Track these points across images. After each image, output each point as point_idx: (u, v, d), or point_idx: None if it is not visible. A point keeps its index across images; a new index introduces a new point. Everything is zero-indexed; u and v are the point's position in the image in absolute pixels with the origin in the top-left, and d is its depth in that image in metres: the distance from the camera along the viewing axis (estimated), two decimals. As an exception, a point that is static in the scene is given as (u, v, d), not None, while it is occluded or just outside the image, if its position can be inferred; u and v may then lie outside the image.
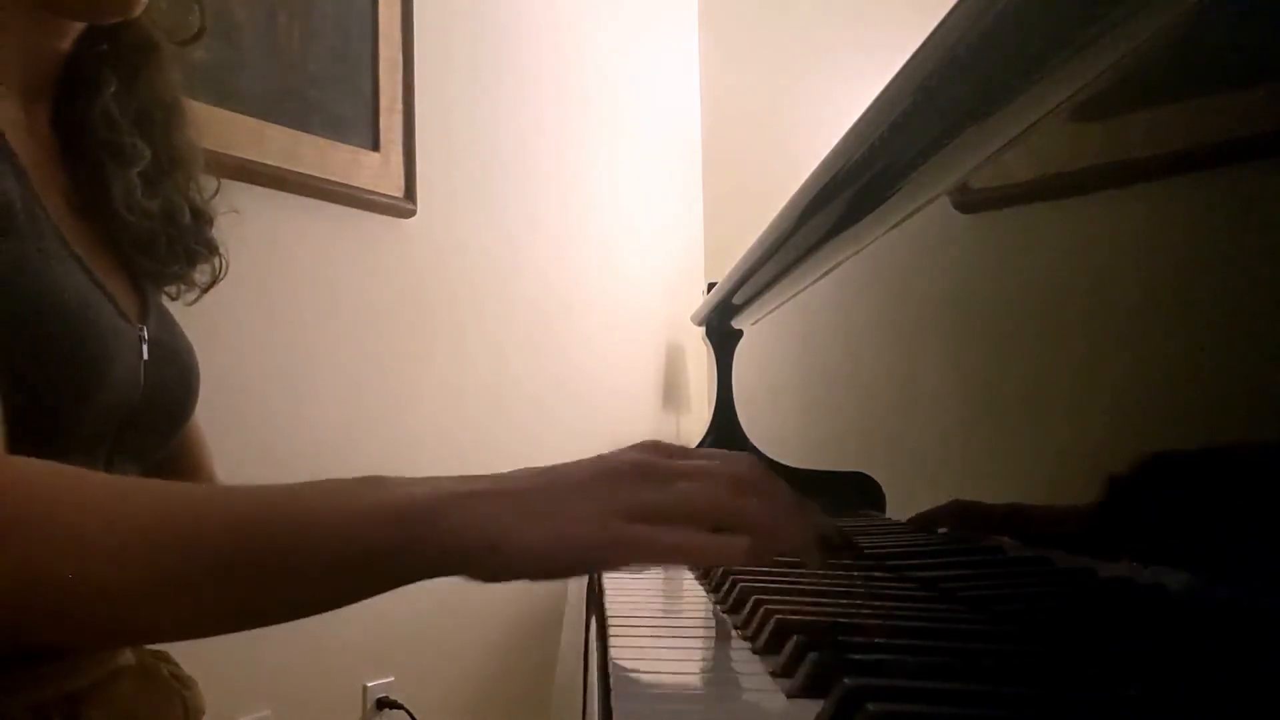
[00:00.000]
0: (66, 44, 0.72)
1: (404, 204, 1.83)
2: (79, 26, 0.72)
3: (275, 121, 1.56)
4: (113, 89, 0.75)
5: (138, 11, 0.70)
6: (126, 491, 0.51)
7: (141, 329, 0.72)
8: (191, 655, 0.81)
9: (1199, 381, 0.38)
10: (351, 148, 1.72)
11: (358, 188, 1.72)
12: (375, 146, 1.77)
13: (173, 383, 0.75)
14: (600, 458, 0.51)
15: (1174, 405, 0.40)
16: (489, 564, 0.47)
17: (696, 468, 0.50)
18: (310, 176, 1.61)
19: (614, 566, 0.48)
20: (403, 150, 1.83)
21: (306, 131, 1.63)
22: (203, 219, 0.82)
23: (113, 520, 0.48)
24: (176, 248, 0.79)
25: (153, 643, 0.52)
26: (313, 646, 1.60)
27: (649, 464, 0.50)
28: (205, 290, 0.85)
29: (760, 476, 0.50)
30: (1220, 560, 0.35)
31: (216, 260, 0.84)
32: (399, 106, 1.82)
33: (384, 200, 1.78)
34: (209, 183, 0.84)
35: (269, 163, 1.53)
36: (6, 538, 0.45)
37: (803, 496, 0.52)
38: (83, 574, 0.46)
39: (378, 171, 1.77)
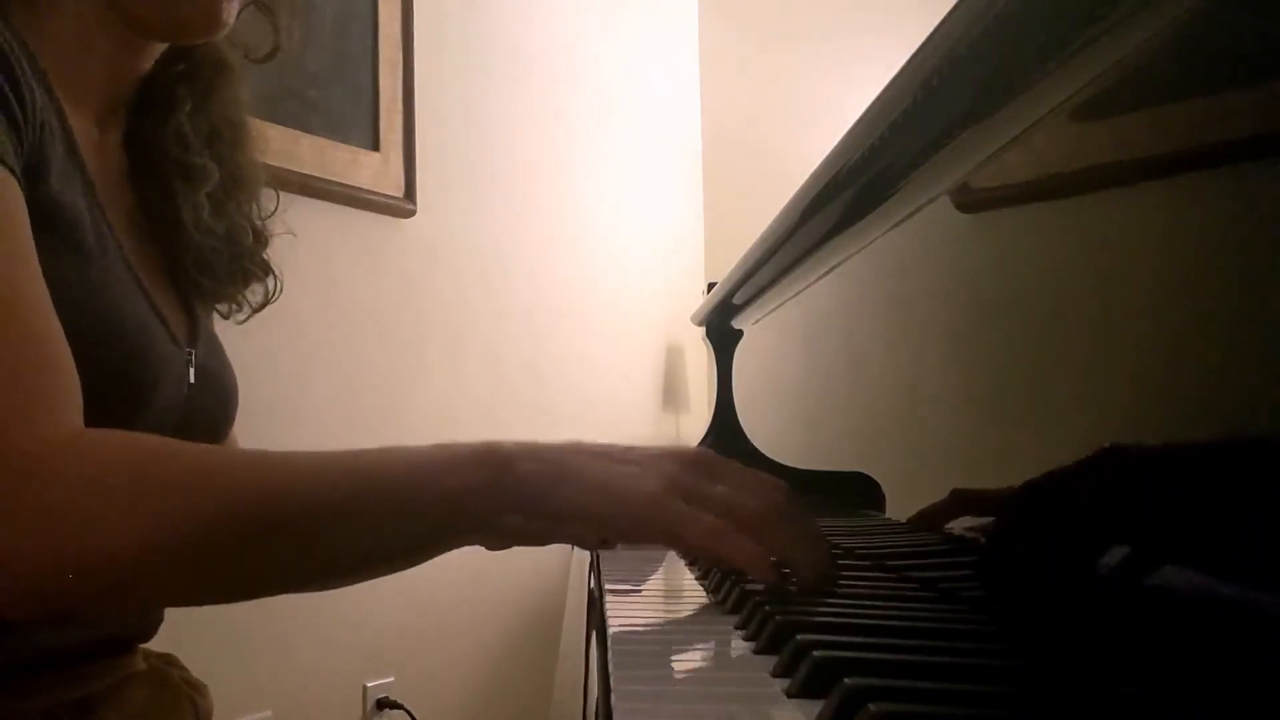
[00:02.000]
0: (148, 64, 0.72)
1: (404, 204, 1.83)
2: (160, 47, 0.72)
3: (275, 121, 1.56)
4: (187, 108, 0.75)
5: (224, 32, 0.70)
6: (216, 454, 0.55)
7: (190, 354, 0.72)
8: (193, 656, 0.81)
9: (1201, 381, 0.38)
10: (351, 148, 1.72)
11: (357, 188, 1.72)
12: (375, 146, 1.78)
13: (212, 408, 0.75)
14: (662, 447, 0.56)
15: (1176, 405, 0.40)
16: (552, 501, 0.52)
17: (742, 477, 0.55)
18: (310, 176, 1.62)
19: (655, 531, 0.52)
20: (403, 150, 1.83)
21: (306, 131, 1.63)
22: (260, 240, 0.83)
23: (210, 480, 0.51)
24: (235, 268, 0.79)
25: (243, 598, 0.56)
26: (313, 646, 1.60)
27: (704, 461, 0.55)
28: (256, 310, 0.85)
29: (793, 504, 0.55)
30: (1221, 559, 0.35)
31: (270, 280, 0.85)
32: (399, 106, 1.82)
33: (384, 200, 1.78)
34: (268, 201, 0.85)
35: (268, 163, 1.53)
36: (113, 500, 0.48)
37: (816, 527, 0.57)
38: (182, 529, 0.48)
39: (377, 171, 1.78)
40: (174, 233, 0.74)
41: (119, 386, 0.62)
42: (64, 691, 0.64)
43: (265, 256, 0.83)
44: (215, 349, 0.78)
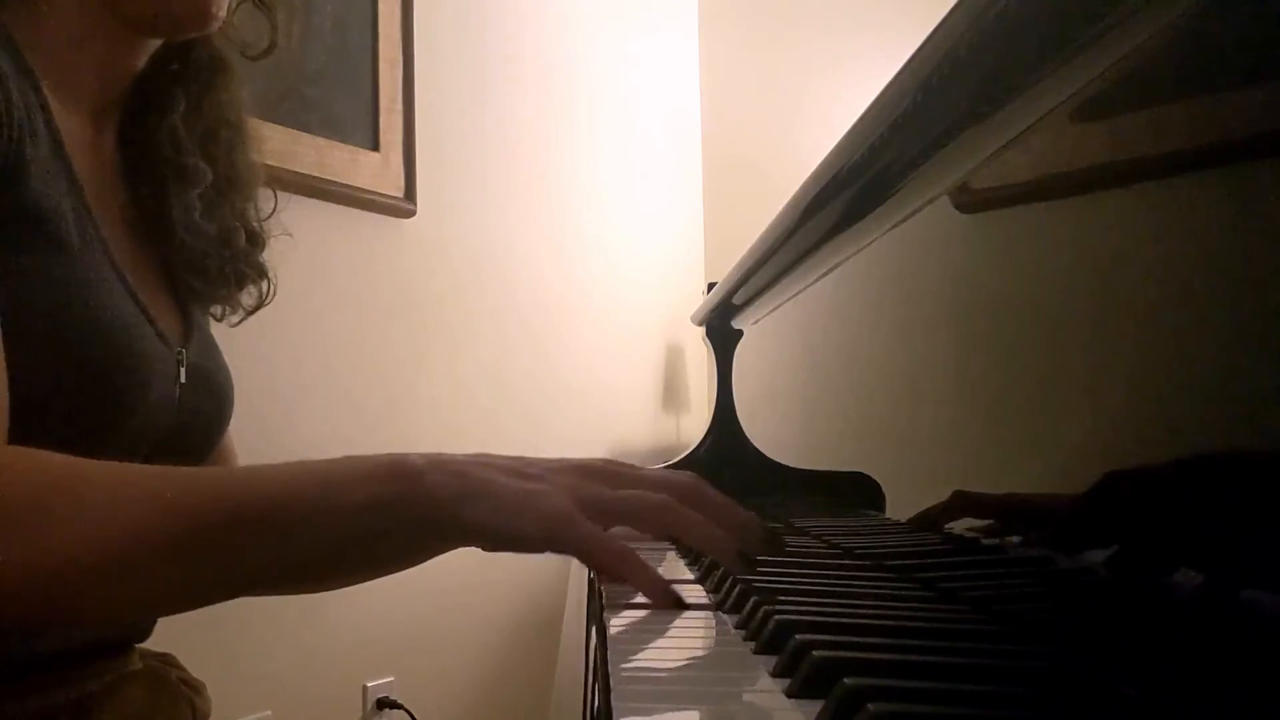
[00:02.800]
0: (141, 62, 0.72)
1: (404, 204, 1.83)
2: (154, 44, 0.72)
3: (274, 121, 1.56)
4: (181, 108, 0.75)
5: (215, 27, 0.69)
6: (127, 473, 0.53)
7: (181, 352, 0.72)
8: (192, 656, 0.81)
9: (1201, 381, 0.38)
10: (350, 147, 1.72)
11: (357, 187, 1.72)
12: (375, 146, 1.78)
13: (207, 407, 0.75)
14: (565, 458, 0.56)
15: (1176, 404, 0.40)
16: (461, 518, 0.51)
17: (645, 477, 0.56)
18: (309, 176, 1.61)
19: (564, 549, 0.52)
20: (403, 150, 1.83)
21: (305, 131, 1.63)
22: (256, 242, 0.82)
23: (116, 498, 0.49)
24: (227, 270, 0.79)
25: (167, 613, 0.55)
26: (313, 646, 1.60)
27: (606, 468, 0.56)
28: (250, 313, 0.85)
29: (701, 488, 0.56)
30: (1222, 559, 0.35)
31: (265, 284, 0.84)
32: (399, 106, 1.82)
33: (384, 200, 1.78)
34: (266, 201, 0.84)
35: (267, 162, 1.53)
36: (19, 521, 0.47)
37: (734, 506, 0.57)
38: (92, 550, 0.47)
39: (377, 171, 1.77)
40: (166, 233, 0.74)
41: (105, 388, 0.62)
42: (60, 693, 0.64)
43: (261, 259, 0.83)
44: (209, 349, 0.78)
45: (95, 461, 0.52)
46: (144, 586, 0.50)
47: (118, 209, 0.71)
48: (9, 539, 0.47)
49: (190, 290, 0.77)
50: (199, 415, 0.73)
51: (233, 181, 0.79)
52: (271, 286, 0.85)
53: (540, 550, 0.52)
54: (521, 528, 0.51)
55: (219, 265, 0.78)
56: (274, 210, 0.85)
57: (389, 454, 0.52)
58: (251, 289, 0.83)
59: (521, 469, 0.54)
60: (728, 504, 0.56)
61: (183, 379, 0.71)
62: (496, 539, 0.52)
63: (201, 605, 0.53)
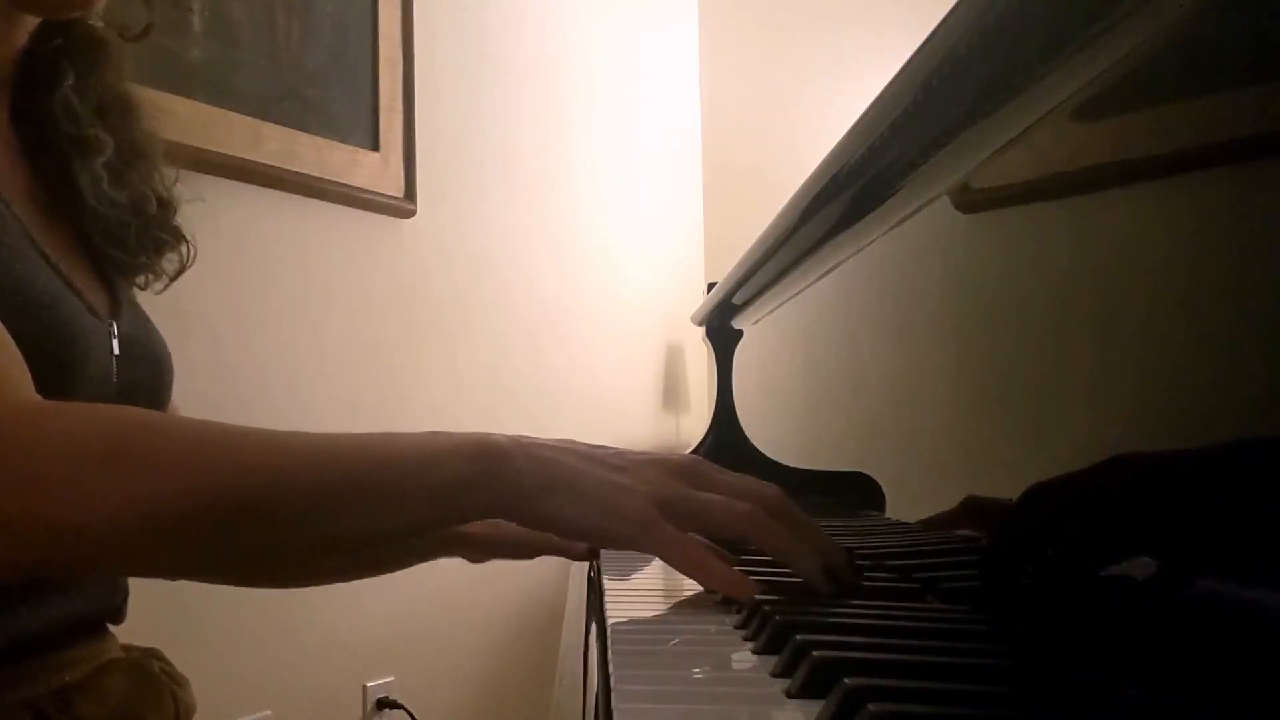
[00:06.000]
0: (23, 39, 0.72)
1: (404, 204, 1.83)
2: (34, 21, 0.72)
3: (273, 121, 1.56)
4: (70, 82, 0.75)
5: (100, 7, 0.70)
6: (204, 428, 0.53)
7: (112, 324, 0.72)
8: (192, 655, 0.81)
9: (1201, 381, 0.38)
10: (350, 147, 1.72)
11: (356, 187, 1.72)
12: (375, 146, 1.78)
13: (145, 378, 0.75)
14: (653, 453, 0.56)
15: (1177, 405, 0.40)
16: (541, 506, 0.51)
17: (731, 482, 0.55)
18: (308, 176, 1.61)
19: (639, 548, 0.52)
20: (402, 150, 1.83)
21: (304, 131, 1.63)
22: (168, 207, 0.82)
23: (195, 451, 0.50)
24: (145, 238, 0.79)
25: (220, 573, 0.55)
26: (313, 646, 1.60)
27: (694, 467, 0.55)
28: (174, 278, 0.85)
29: (786, 503, 0.55)
30: (1222, 560, 0.35)
31: (184, 247, 0.84)
32: (399, 106, 1.82)
33: (383, 200, 1.78)
34: (169, 172, 0.84)
35: (266, 162, 1.53)
36: (115, 468, 0.47)
37: (817, 527, 0.56)
38: (164, 502, 0.47)
39: (377, 171, 1.77)
40: (77, 207, 0.74)
41: (40, 363, 0.62)
42: (42, 681, 0.64)
43: (176, 223, 0.83)
44: (140, 319, 0.78)
45: (169, 414, 0.52)
46: (206, 545, 0.50)
47: (23, 187, 0.71)
48: (78, 487, 0.47)
49: (111, 262, 0.77)
50: (139, 387, 0.73)
51: (135, 150, 0.79)
52: (191, 250, 0.85)
53: (616, 549, 0.52)
54: (599, 525, 0.51)
55: (136, 233, 0.78)
56: (176, 178, 0.84)
57: (474, 432, 0.53)
58: (172, 255, 0.83)
59: (607, 459, 0.54)
60: (810, 522, 0.55)
61: (116, 351, 0.71)
62: (572, 532, 0.52)
63: (257, 575, 0.53)
